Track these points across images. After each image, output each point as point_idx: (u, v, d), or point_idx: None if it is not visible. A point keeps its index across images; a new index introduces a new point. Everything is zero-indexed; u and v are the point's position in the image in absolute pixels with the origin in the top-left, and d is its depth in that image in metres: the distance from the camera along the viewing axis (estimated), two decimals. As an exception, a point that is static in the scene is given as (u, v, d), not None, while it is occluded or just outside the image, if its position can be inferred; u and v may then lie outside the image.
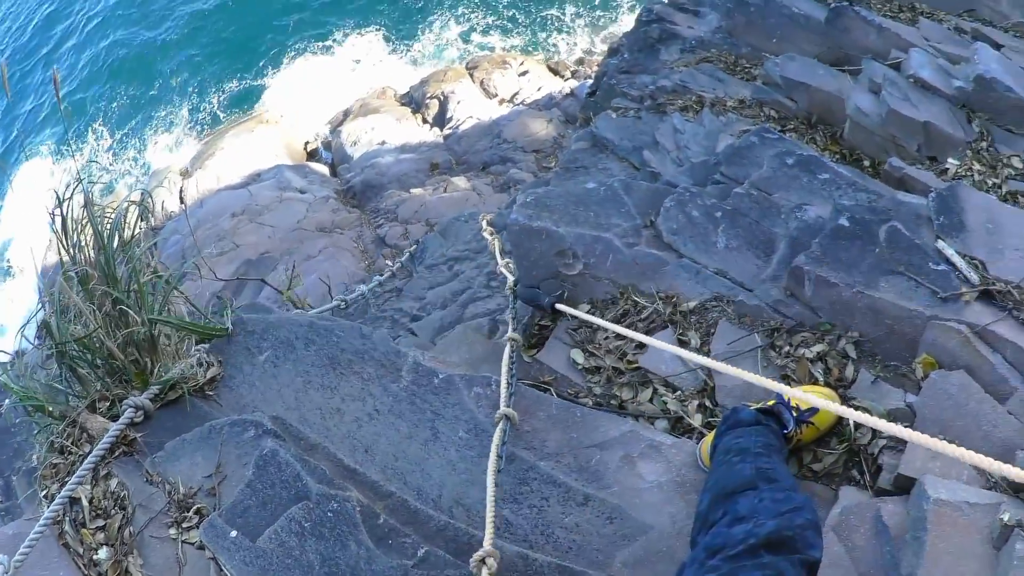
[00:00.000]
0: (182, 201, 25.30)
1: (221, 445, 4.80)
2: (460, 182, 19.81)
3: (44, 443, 5.44)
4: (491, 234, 7.72)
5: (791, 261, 5.15)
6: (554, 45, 29.43)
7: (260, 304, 6.18)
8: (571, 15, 30.11)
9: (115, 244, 5.28)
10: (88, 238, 5.27)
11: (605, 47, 27.12)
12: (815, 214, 5.49)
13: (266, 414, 4.89)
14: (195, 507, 4.64)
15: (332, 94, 29.97)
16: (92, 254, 5.24)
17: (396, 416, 5.00)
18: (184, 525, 4.59)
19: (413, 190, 20.12)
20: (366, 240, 18.99)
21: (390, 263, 16.44)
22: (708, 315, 5.25)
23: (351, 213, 20.55)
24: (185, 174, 26.58)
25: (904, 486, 3.84)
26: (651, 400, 5.04)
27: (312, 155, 26.79)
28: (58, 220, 5.22)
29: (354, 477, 4.66)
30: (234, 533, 4.29)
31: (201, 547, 4.49)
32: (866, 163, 7.52)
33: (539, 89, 24.37)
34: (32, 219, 31.44)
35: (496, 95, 24.59)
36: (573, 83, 24.28)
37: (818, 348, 4.75)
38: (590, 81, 22.53)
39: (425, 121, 24.76)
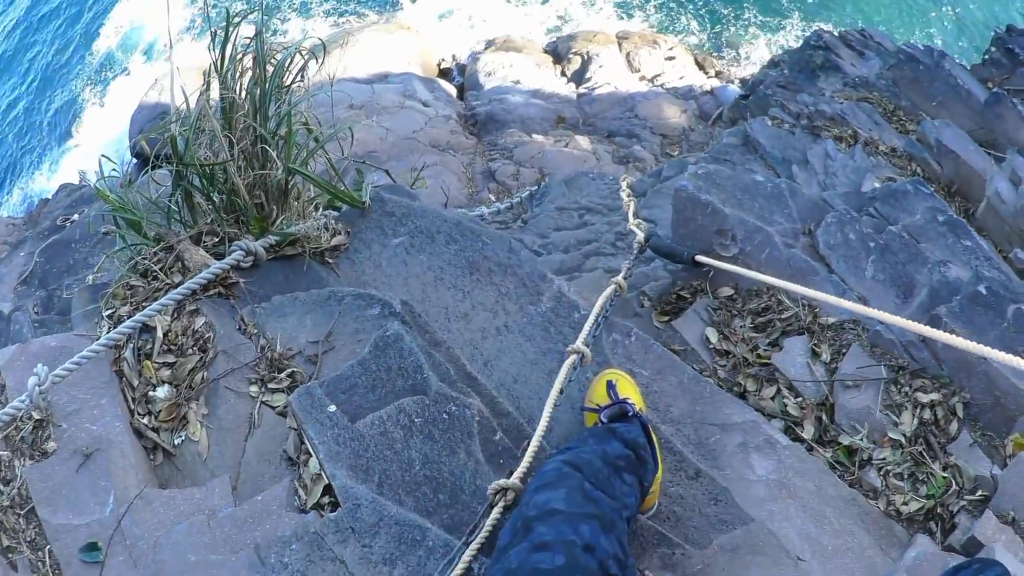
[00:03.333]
0: (302, 78, 25.41)
1: (339, 315, 4.67)
2: (583, 141, 19.85)
3: (125, 262, 5.26)
4: (628, 195, 7.69)
5: (929, 309, 5.30)
6: (711, 40, 29.03)
7: (402, 187, 6.02)
8: (744, 20, 29.69)
9: (275, 83, 5.10)
10: (245, 68, 5.10)
11: (758, 57, 27.01)
12: (956, 274, 5.57)
13: (394, 298, 4.72)
14: (289, 370, 4.50)
15: (479, 18, 30.39)
16: (245, 85, 5.05)
17: (525, 338, 4.91)
18: (271, 386, 4.45)
19: (535, 135, 20.16)
20: (475, 169, 19.05)
21: (494, 198, 16.42)
22: (843, 335, 5.32)
23: (468, 139, 20.60)
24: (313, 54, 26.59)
25: (971, 550, 4.08)
26: (773, 398, 5.12)
27: (444, 74, 26.81)
28: (219, 41, 5.01)
29: (475, 386, 4.53)
30: (332, 408, 4.13)
31: (283, 413, 4.38)
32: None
33: (681, 78, 24.12)
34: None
35: (639, 71, 24.38)
36: (715, 82, 24.09)
37: (933, 396, 4.85)
38: (732, 85, 22.63)
39: (563, 74, 24.69)
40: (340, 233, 5.38)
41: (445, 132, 20.57)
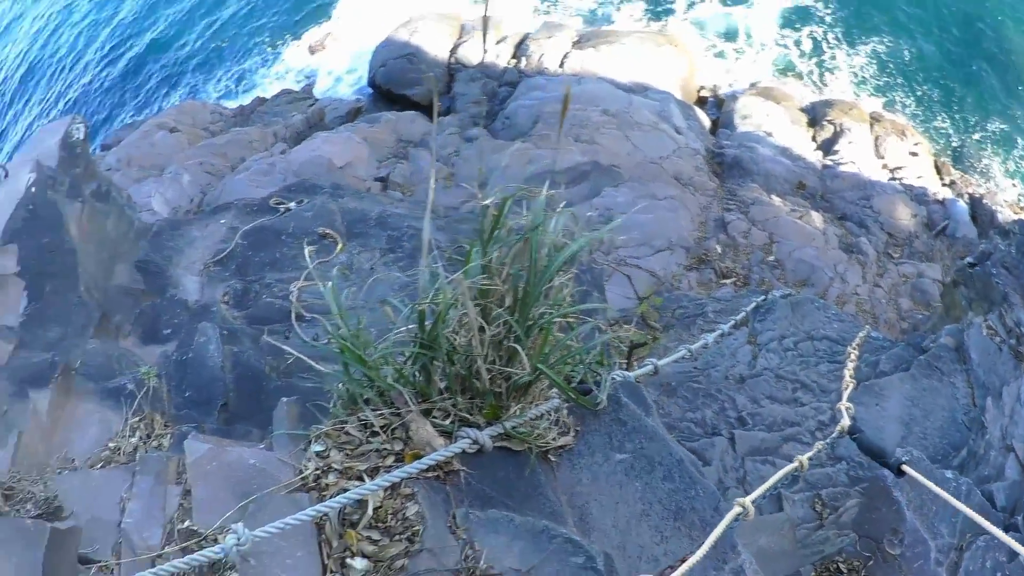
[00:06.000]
0: (561, 66, 25.66)
1: (545, 555, 4.68)
2: (816, 218, 20.06)
3: (343, 396, 5.41)
4: (851, 374, 7.82)
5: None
6: (954, 146, 28.49)
7: (640, 390, 6.04)
8: (988, 132, 28.97)
9: (543, 285, 5.02)
10: (513, 248, 5.00)
11: (992, 174, 26.65)
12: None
13: (601, 551, 4.72)
14: None
15: (751, 52, 30.87)
16: (508, 267, 5.00)
17: (695, 601, 4.93)
18: None
19: (774, 196, 20.43)
20: (710, 215, 19.45)
21: (720, 250, 16.63)
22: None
23: (711, 181, 20.90)
24: (576, 44, 26.82)
25: None
26: None
27: (700, 102, 26.97)
28: (489, 213, 4.97)
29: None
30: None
31: None
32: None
33: (919, 177, 23.84)
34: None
35: (883, 158, 24.15)
36: (947, 192, 23.78)
37: None
38: (960, 201, 22.35)
39: (814, 139, 24.69)
40: (568, 431, 5.43)
41: (690, 167, 20.83)
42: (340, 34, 34.98)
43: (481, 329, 4.87)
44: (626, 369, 6.44)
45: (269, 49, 36.38)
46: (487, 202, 4.95)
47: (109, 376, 7.96)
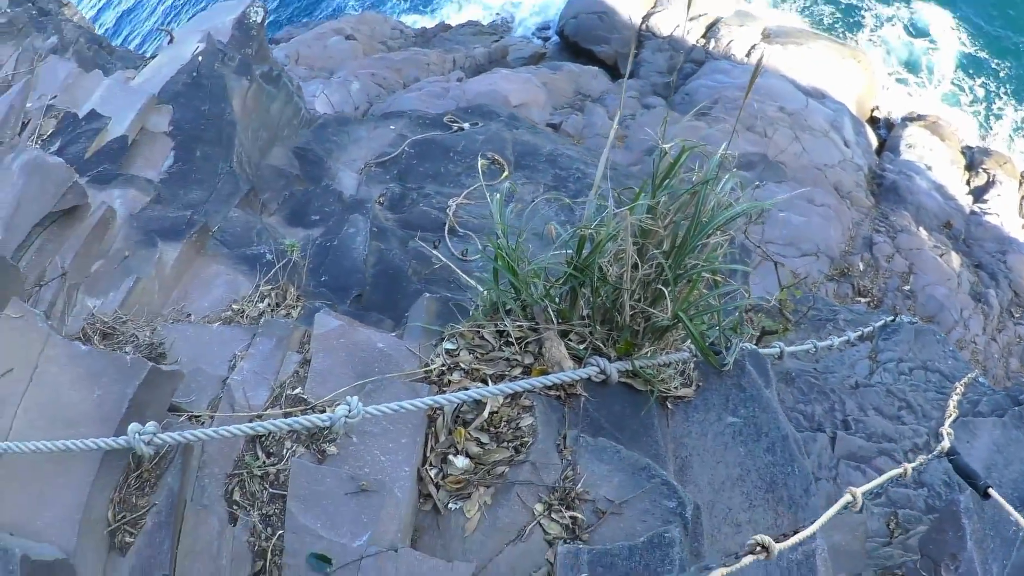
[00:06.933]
0: (748, 55, 25.76)
1: (641, 492, 4.71)
2: (955, 259, 19.88)
3: (486, 302, 5.56)
4: (955, 405, 7.82)
5: None
6: None
7: (765, 361, 6.04)
8: None
9: (701, 237, 5.03)
10: (680, 197, 5.04)
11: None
12: None
13: (691, 502, 4.70)
14: (574, 514, 4.58)
15: (929, 86, 30.70)
16: (672, 212, 5.05)
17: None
18: (553, 516, 4.54)
19: (921, 229, 20.28)
20: (860, 231, 19.34)
21: (862, 267, 16.64)
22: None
23: (867, 199, 20.79)
24: (766, 37, 26.73)
25: None
26: None
27: (871, 121, 26.74)
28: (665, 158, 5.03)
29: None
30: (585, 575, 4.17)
31: (550, 542, 4.47)
32: None
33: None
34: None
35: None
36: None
37: None
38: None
39: (967, 183, 24.32)
40: (691, 384, 5.49)
41: (851, 181, 20.80)
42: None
43: (635, 266, 4.93)
44: (756, 344, 6.47)
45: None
46: (667, 145, 5.01)
47: (247, 244, 8.08)
